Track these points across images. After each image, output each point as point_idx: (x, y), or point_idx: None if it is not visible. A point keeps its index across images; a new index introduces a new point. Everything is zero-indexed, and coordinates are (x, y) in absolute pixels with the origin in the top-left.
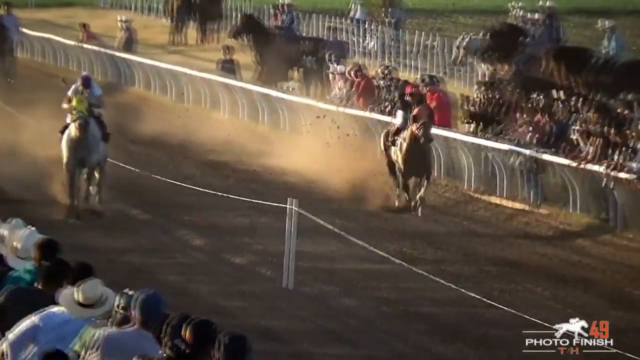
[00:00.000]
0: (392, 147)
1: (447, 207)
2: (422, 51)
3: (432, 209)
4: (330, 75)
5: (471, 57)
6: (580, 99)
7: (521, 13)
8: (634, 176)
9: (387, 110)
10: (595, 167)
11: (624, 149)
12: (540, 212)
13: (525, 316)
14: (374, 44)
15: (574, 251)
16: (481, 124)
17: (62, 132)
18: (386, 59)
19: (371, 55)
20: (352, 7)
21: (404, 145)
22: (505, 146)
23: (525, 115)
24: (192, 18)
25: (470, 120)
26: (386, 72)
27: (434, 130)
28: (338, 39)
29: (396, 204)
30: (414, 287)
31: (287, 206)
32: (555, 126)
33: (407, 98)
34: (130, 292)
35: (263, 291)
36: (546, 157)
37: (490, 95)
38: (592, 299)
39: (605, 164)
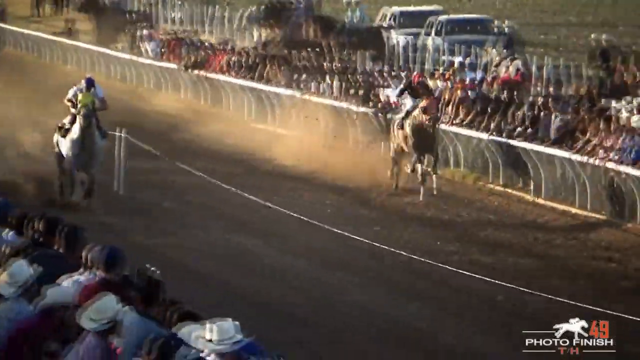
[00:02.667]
0: (401, 131)
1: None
2: (218, 20)
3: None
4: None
5: (250, 24)
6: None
7: None
8: None
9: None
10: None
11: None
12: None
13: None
14: (181, 15)
15: None
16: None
17: (61, 129)
18: (189, 26)
19: (177, 23)
20: None
21: (414, 127)
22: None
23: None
24: None
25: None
26: (192, 34)
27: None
28: (152, 12)
29: (393, 185)
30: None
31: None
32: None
33: (416, 86)
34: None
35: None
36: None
37: (264, 52)
38: None
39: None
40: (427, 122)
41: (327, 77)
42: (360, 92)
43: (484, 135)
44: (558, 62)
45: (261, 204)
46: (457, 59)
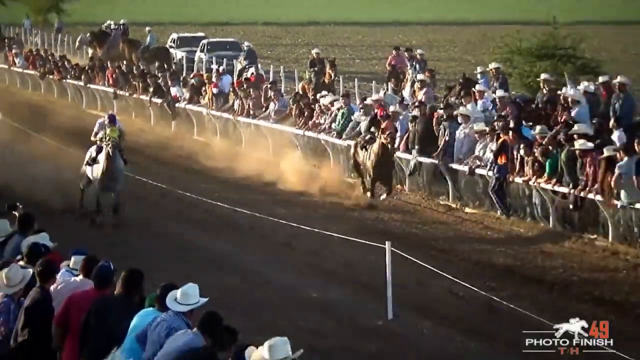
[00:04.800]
0: (361, 152)
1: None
2: (60, 42)
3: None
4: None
5: (83, 45)
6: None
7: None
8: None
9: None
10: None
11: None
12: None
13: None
14: (37, 40)
15: None
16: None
17: (90, 159)
18: (53, 49)
19: (35, 45)
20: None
21: (373, 155)
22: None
23: None
24: None
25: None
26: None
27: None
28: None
29: (362, 201)
30: None
31: None
32: None
33: (377, 117)
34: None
35: None
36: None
37: (91, 63)
38: None
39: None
40: (386, 143)
41: (131, 79)
42: (151, 89)
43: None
44: (280, 69)
45: None
46: (215, 67)
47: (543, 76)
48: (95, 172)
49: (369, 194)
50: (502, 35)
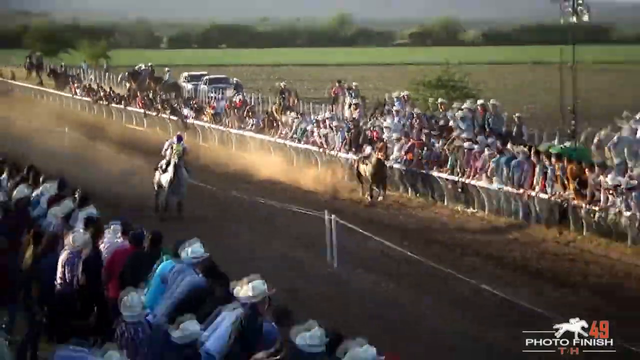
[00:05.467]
0: (362, 166)
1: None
2: (116, 81)
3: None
4: None
5: (122, 81)
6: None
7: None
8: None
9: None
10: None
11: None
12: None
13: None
14: (92, 77)
15: None
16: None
17: (159, 169)
18: (102, 83)
19: (92, 80)
20: None
21: (371, 166)
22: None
23: None
24: None
25: None
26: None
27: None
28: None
29: (366, 200)
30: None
31: None
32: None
33: (374, 138)
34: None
35: None
36: None
37: (128, 93)
38: None
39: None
40: (381, 159)
41: (155, 104)
42: (168, 111)
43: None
44: (259, 96)
45: None
46: (213, 95)
47: (440, 100)
48: (164, 179)
49: (367, 195)
50: (410, 72)
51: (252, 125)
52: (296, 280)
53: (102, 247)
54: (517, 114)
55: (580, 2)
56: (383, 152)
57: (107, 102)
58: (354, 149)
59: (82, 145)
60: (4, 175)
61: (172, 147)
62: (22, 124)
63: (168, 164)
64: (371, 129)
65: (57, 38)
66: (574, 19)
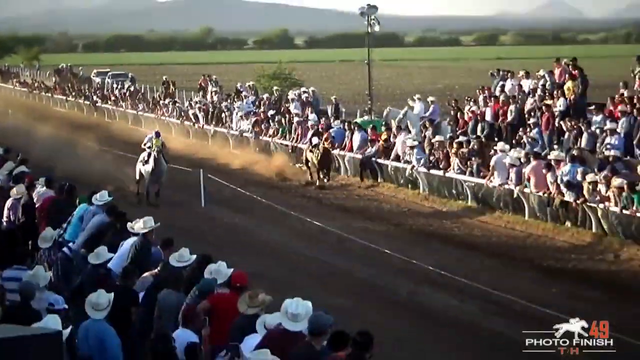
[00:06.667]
0: (309, 154)
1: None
2: (45, 77)
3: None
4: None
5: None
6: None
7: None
8: None
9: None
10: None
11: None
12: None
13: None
14: (27, 74)
15: None
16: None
17: (142, 160)
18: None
19: (27, 77)
20: None
21: (318, 153)
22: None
23: None
24: None
25: None
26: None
27: None
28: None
29: (313, 183)
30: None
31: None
32: None
33: (320, 130)
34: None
35: None
36: None
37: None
38: None
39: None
40: (328, 148)
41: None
42: (82, 98)
43: None
44: (147, 86)
45: None
46: (116, 85)
47: (275, 87)
48: (145, 170)
49: (315, 178)
50: (255, 69)
51: (142, 107)
52: (176, 217)
53: (34, 195)
54: (334, 96)
55: (373, 17)
56: (329, 142)
57: (39, 92)
58: (213, 123)
59: (24, 122)
60: None
61: (152, 141)
62: None
63: (149, 155)
64: (226, 108)
65: (2, 45)
66: (369, 29)
